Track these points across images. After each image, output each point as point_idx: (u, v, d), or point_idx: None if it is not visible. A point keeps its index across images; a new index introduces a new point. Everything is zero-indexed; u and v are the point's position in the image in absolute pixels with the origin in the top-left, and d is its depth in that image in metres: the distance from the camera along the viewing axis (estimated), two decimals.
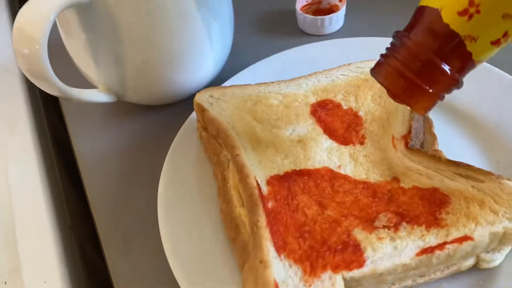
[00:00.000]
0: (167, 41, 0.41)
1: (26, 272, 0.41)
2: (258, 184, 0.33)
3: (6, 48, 0.65)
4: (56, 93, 0.39)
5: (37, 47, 0.35)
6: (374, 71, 0.32)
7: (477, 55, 0.29)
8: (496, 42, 0.28)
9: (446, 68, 0.29)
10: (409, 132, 0.37)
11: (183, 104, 0.49)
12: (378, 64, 0.32)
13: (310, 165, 0.37)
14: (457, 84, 0.30)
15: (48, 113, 0.61)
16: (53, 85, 0.38)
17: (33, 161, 0.49)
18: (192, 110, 0.45)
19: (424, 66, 0.29)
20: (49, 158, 0.52)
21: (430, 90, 0.30)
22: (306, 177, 0.35)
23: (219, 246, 0.36)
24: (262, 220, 0.31)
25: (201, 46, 0.43)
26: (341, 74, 0.42)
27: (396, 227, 0.32)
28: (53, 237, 0.43)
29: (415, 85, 0.30)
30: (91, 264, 0.46)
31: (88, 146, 0.47)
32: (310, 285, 0.29)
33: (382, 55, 0.31)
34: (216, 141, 0.39)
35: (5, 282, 0.42)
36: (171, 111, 0.49)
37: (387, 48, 0.31)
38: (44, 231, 0.43)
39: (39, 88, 0.62)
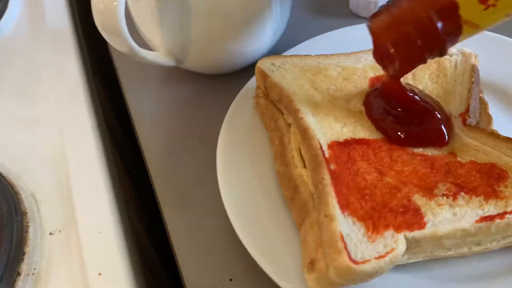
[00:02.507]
0: (232, 9, 0.42)
1: (81, 222, 0.43)
2: (321, 146, 0.34)
3: (61, 16, 0.67)
4: (125, 50, 0.41)
5: (115, 3, 0.37)
6: (371, 21, 0.34)
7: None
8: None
9: (439, 25, 0.31)
10: (467, 109, 0.38)
11: (237, 75, 0.50)
12: (376, 14, 0.34)
13: (368, 135, 0.38)
14: (443, 48, 0.33)
15: (95, 81, 0.63)
16: (125, 41, 0.39)
17: (86, 123, 0.51)
18: (245, 81, 0.46)
19: (420, 22, 0.31)
20: (100, 121, 0.54)
21: (419, 43, 0.32)
22: (365, 146, 0.36)
23: (274, 203, 0.37)
24: (327, 178, 0.32)
25: (263, 16, 0.44)
26: None
27: (454, 196, 0.33)
28: (107, 194, 0.45)
29: (408, 38, 0.32)
30: (135, 228, 0.48)
31: (143, 108, 0.49)
32: (373, 241, 0.30)
33: (382, 6, 0.34)
34: (275, 108, 0.40)
35: (60, 231, 0.43)
36: (224, 80, 0.50)
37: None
38: (98, 185, 0.45)
39: (89, 55, 0.65)
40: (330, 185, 0.31)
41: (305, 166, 0.35)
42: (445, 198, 0.33)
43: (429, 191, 0.33)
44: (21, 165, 0.49)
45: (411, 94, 0.38)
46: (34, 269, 0.41)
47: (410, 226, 0.31)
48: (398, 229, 0.30)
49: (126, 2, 0.45)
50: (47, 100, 0.55)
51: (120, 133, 0.64)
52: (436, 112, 0.37)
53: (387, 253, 0.29)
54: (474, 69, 0.41)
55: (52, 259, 0.41)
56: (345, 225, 0.30)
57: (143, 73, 0.53)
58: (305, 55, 0.43)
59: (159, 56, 0.45)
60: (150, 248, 0.52)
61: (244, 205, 0.37)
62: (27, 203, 0.45)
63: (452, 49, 0.43)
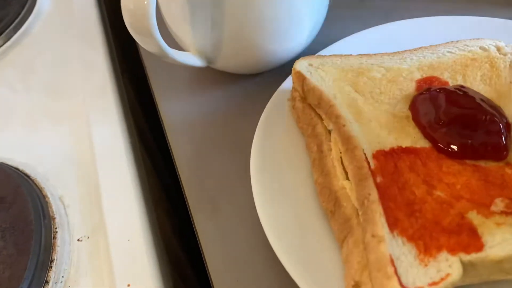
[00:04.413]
0: (266, 6, 0.40)
1: (109, 228, 0.41)
2: (366, 157, 0.32)
3: (90, 11, 0.66)
4: (155, 51, 0.39)
5: (146, 2, 0.35)
6: None
7: None
8: None
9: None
10: None
11: (270, 75, 0.48)
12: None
13: (415, 143, 0.35)
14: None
15: (123, 78, 0.61)
16: (155, 42, 0.38)
17: (115, 124, 0.50)
18: (280, 81, 0.44)
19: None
20: (129, 122, 0.52)
21: None
22: (412, 155, 0.34)
23: (312, 215, 0.34)
24: (374, 194, 0.29)
25: (298, 14, 0.42)
26: (448, 51, 0.40)
27: None
28: (136, 198, 0.43)
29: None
30: (164, 229, 0.47)
31: (174, 110, 0.47)
32: (426, 265, 0.27)
33: None
34: (313, 112, 0.38)
35: (88, 237, 0.42)
36: (257, 81, 0.48)
37: None
38: (126, 192, 0.44)
39: (117, 52, 0.63)
40: (377, 202, 0.29)
41: (347, 178, 0.32)
42: (504, 216, 0.30)
43: (485, 208, 0.30)
44: (48, 167, 0.48)
45: (477, 102, 0.34)
46: (62, 277, 0.40)
47: (466, 248, 0.28)
48: (452, 251, 0.28)
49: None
50: (75, 97, 0.54)
51: (149, 133, 0.62)
52: (500, 124, 0.33)
53: (442, 279, 0.26)
54: None
55: (81, 266, 0.40)
56: (395, 246, 0.28)
57: (173, 73, 0.51)
58: (346, 54, 0.40)
59: (190, 56, 0.43)
60: (180, 253, 0.51)
61: (280, 214, 0.35)
62: (55, 207, 0.44)
63: (507, 48, 0.39)
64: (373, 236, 0.27)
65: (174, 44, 0.45)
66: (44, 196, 0.45)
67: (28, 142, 0.51)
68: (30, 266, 0.39)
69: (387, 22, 0.48)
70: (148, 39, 0.37)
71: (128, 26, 0.37)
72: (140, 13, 0.35)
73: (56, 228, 0.43)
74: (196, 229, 0.38)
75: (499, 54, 0.39)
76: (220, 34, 0.41)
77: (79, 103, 0.53)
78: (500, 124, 0.33)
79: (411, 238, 0.28)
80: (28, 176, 0.47)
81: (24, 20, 0.66)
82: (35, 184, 0.46)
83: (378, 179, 0.31)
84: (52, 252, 0.41)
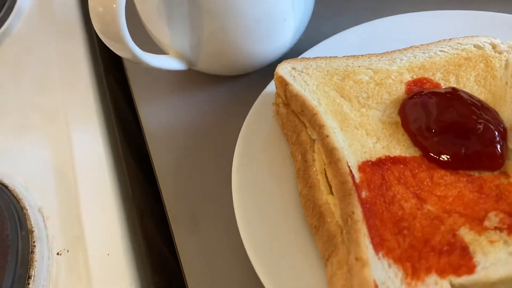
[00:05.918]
0: (248, 5, 0.37)
1: (89, 242, 0.40)
2: (350, 170, 0.30)
3: (71, 11, 0.63)
4: (128, 56, 0.37)
5: (114, 6, 0.33)
6: None
7: None
8: None
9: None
10: None
11: (256, 75, 0.46)
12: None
13: (405, 151, 0.33)
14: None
15: (108, 80, 0.59)
16: (127, 48, 0.35)
17: (96, 130, 0.48)
18: (266, 82, 0.42)
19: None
20: (112, 127, 0.50)
21: None
22: (401, 165, 0.32)
23: (296, 230, 0.33)
24: (358, 212, 0.27)
25: (282, 13, 0.39)
26: (440, 50, 0.37)
27: (509, 229, 0.28)
28: (117, 209, 0.41)
29: None
30: (153, 240, 0.45)
31: (155, 116, 0.45)
32: None
33: None
34: (297, 119, 0.36)
35: (68, 251, 0.40)
36: (242, 82, 0.46)
37: None
38: (107, 203, 0.42)
39: (101, 53, 0.61)
40: (361, 221, 0.27)
41: (331, 192, 0.30)
42: (498, 232, 0.28)
43: (478, 223, 0.28)
44: (28, 175, 0.46)
45: (470, 107, 0.32)
46: None
47: (457, 270, 0.26)
48: (442, 273, 0.26)
49: (131, 1, 0.41)
50: (55, 100, 0.52)
51: (139, 133, 0.60)
52: (496, 132, 0.31)
53: None
54: None
55: (59, 282, 0.38)
56: (380, 270, 0.26)
57: (154, 75, 0.48)
58: (331, 56, 0.38)
59: (168, 60, 0.41)
60: (172, 261, 0.49)
61: (262, 231, 0.33)
62: (33, 219, 0.42)
63: (502, 46, 0.37)
64: (356, 259, 0.25)
65: (153, 46, 0.43)
66: (22, 208, 0.43)
67: (6, 148, 0.49)
68: (6, 284, 0.37)
69: (378, 17, 0.45)
70: (119, 44, 0.35)
71: (97, 31, 0.35)
72: (109, 17, 0.33)
73: (34, 242, 0.41)
74: (176, 244, 0.37)
75: (495, 52, 0.37)
76: (199, 35, 0.39)
77: (59, 106, 0.51)
78: (496, 132, 0.31)
79: (398, 260, 0.27)
80: (6, 187, 0.45)
81: (3, 20, 0.63)
82: (13, 194, 0.44)
83: (364, 194, 0.29)
84: (30, 268, 0.39)
